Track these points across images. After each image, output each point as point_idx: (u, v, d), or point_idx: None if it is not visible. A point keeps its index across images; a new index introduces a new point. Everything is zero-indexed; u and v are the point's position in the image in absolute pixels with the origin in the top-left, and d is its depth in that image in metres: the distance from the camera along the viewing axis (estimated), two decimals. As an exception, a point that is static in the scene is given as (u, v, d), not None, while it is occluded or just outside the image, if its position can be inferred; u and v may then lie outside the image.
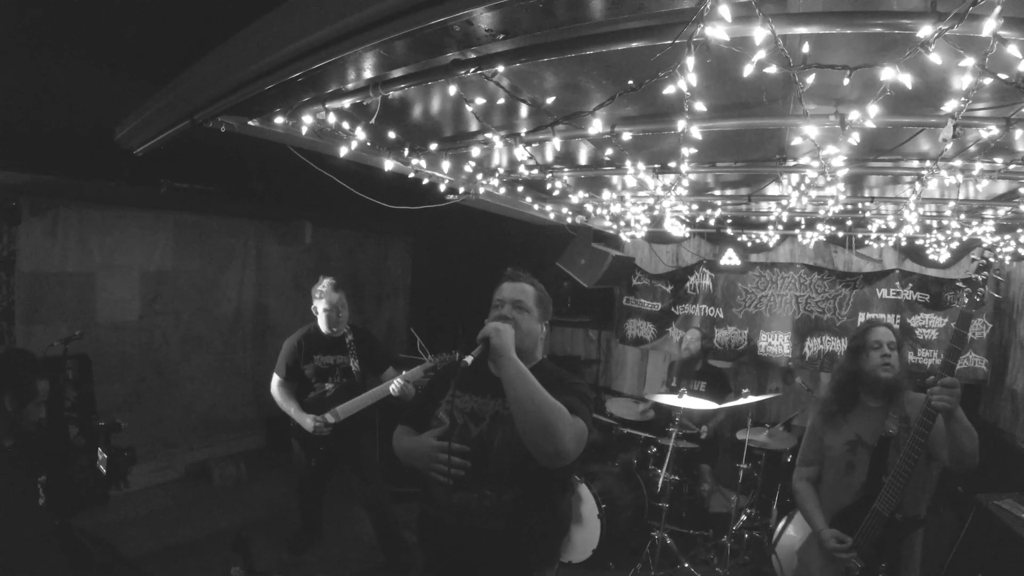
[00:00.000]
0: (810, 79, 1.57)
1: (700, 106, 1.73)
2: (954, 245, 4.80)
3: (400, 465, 2.21)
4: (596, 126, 2.03)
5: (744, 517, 4.55)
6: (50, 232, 5.08)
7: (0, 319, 4.74)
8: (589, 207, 4.35)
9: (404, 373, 3.79)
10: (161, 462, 5.70)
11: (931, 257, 5.15)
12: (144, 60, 3.05)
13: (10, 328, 4.80)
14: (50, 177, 4.34)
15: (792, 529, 4.12)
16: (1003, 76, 1.57)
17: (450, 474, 1.89)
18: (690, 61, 1.42)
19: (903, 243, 5.07)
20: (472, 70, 1.70)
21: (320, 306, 3.96)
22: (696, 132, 2.03)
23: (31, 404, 2.42)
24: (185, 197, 5.06)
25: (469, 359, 1.81)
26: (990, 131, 2.12)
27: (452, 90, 1.77)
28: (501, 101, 2.01)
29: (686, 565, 4.24)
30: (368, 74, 1.83)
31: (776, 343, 5.89)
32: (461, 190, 3.63)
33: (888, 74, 1.49)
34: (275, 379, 4.03)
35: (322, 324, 3.98)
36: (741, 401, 4.52)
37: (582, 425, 1.90)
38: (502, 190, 3.78)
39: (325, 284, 4.01)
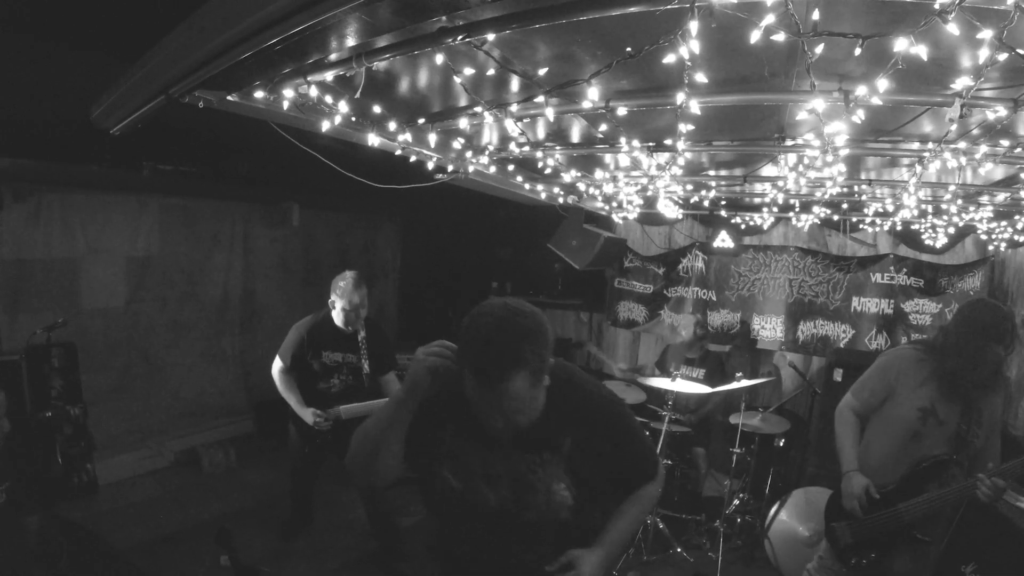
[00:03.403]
0: (819, 48, 1.49)
1: (701, 77, 1.65)
2: (950, 231, 4.75)
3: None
4: (591, 97, 1.93)
5: (737, 501, 4.53)
6: (33, 218, 4.95)
7: (-17, 308, 4.64)
8: (581, 186, 4.27)
9: None
10: (150, 450, 5.61)
11: (926, 242, 5.11)
12: (118, 35, 2.94)
13: (-6, 317, 4.70)
14: (31, 161, 4.24)
15: (785, 514, 4.10)
16: (1022, 52, 1.49)
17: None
18: (693, 26, 1.33)
19: (898, 228, 5.03)
20: (460, 38, 1.60)
21: (339, 304, 3.73)
22: (695, 107, 1.94)
23: None
24: (169, 180, 4.97)
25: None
26: (997, 112, 2.04)
27: (439, 59, 1.68)
28: (491, 72, 1.91)
29: (678, 550, 4.22)
30: (350, 42, 1.72)
31: (769, 327, 5.86)
32: (450, 168, 3.54)
33: (902, 44, 1.41)
34: (278, 364, 3.85)
35: (337, 320, 3.78)
36: (734, 385, 4.48)
37: (655, 492, 1.72)
38: (492, 169, 3.68)
39: (347, 280, 3.73)
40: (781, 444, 4.59)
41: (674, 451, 4.64)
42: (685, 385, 4.44)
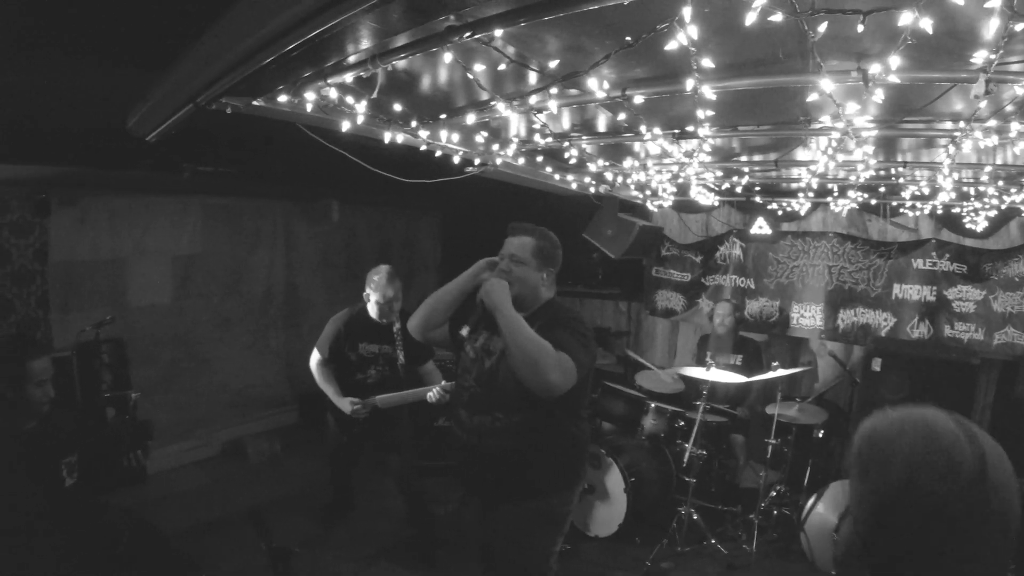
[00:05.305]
0: (822, 28, 1.46)
1: (708, 63, 1.64)
2: (992, 214, 4.55)
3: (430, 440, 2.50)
4: (604, 87, 1.94)
5: (773, 493, 4.46)
6: (80, 222, 5.20)
7: (36, 308, 4.92)
8: (610, 175, 4.25)
9: (444, 384, 3.72)
10: (197, 440, 5.84)
11: (968, 226, 4.90)
12: (149, 48, 3.07)
13: (46, 316, 4.97)
14: (76, 168, 4.44)
15: (822, 507, 4.02)
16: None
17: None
18: (687, 11, 1.33)
19: (939, 211, 4.84)
20: (468, 35, 1.64)
21: (373, 297, 3.81)
22: (709, 92, 1.93)
23: (30, 385, 2.36)
24: (210, 181, 5.13)
25: (465, 331, 2.46)
26: (1025, 87, 1.97)
27: (447, 57, 1.71)
28: (503, 67, 1.94)
29: (712, 541, 4.18)
30: (365, 44, 1.78)
31: (808, 314, 5.72)
32: (477, 161, 3.57)
33: (906, 18, 1.38)
34: (316, 356, 3.95)
35: (372, 312, 3.86)
36: (771, 374, 4.40)
37: (567, 359, 2.13)
38: (521, 160, 3.70)
39: (381, 274, 3.80)
40: (820, 435, 4.50)
41: (710, 442, 4.59)
42: (720, 375, 4.39)
